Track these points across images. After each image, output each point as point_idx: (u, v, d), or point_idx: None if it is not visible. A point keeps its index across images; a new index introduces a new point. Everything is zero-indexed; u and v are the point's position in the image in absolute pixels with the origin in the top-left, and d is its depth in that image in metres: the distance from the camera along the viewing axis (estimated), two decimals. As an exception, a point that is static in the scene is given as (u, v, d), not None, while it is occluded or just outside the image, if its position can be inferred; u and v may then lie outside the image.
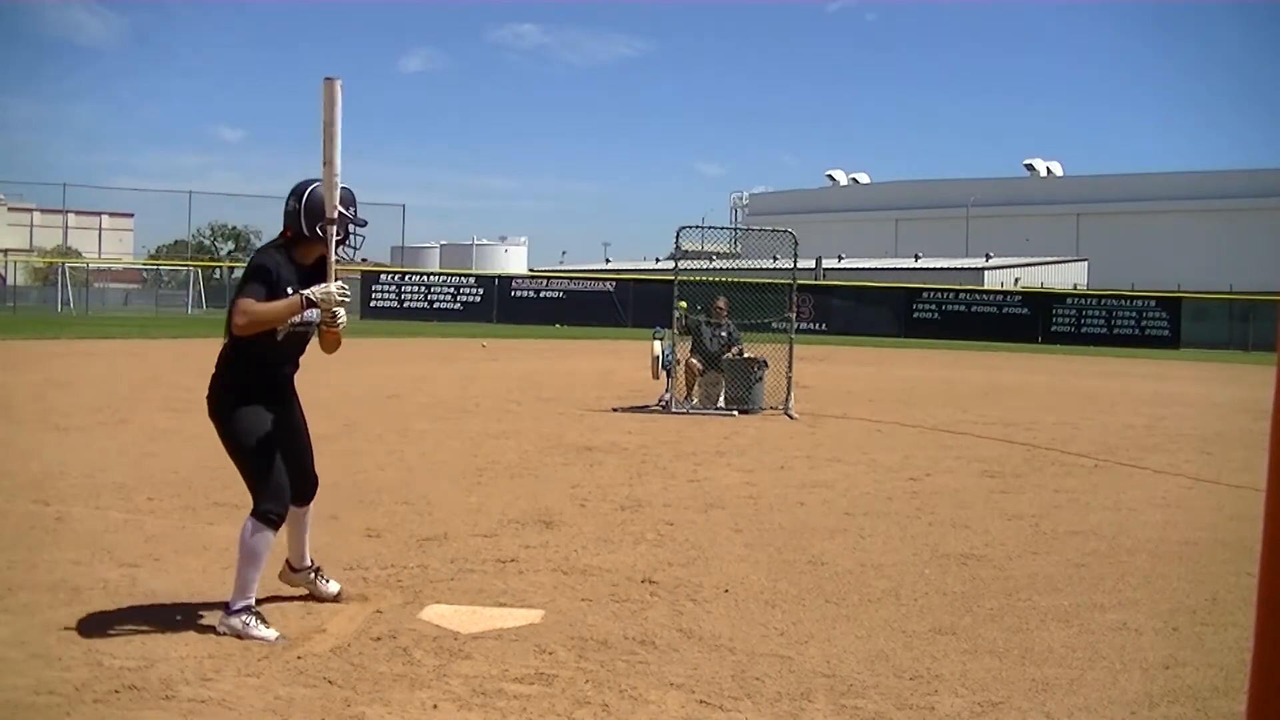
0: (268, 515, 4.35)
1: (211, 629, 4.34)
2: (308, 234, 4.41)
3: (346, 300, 4.35)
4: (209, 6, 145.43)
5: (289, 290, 4.30)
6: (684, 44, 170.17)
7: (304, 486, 4.67)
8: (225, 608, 4.39)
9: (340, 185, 4.38)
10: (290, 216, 4.44)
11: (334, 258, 4.37)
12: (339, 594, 4.85)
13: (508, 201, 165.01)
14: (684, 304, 13.63)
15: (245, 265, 4.50)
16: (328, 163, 4.33)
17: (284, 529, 4.68)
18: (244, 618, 4.31)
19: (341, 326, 4.39)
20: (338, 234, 4.40)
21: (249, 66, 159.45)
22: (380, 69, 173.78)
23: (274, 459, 4.40)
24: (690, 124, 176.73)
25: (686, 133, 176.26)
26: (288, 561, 4.84)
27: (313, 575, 4.84)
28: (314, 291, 4.25)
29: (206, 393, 4.46)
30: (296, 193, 4.44)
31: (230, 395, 4.40)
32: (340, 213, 4.39)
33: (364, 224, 4.57)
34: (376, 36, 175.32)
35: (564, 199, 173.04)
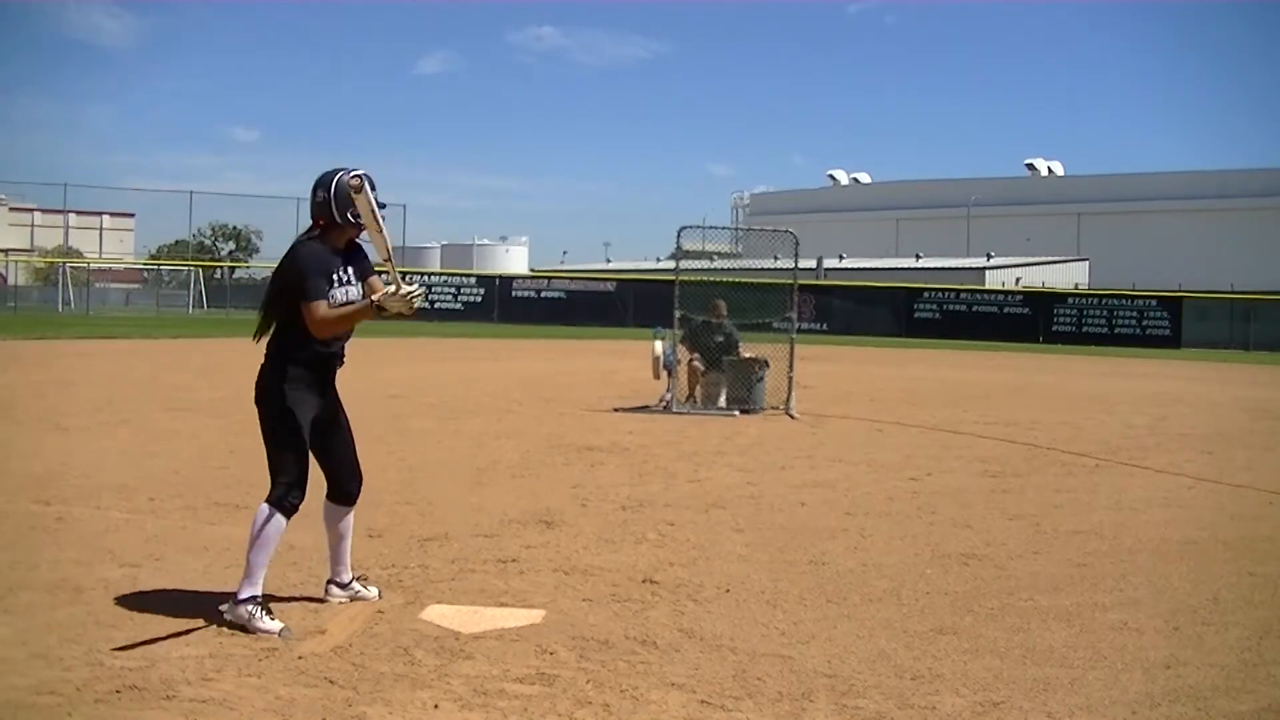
0: (283, 502, 4.41)
1: (213, 628, 4.34)
2: (339, 220, 4.48)
3: (421, 293, 4.41)
4: (225, 7, 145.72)
5: (335, 274, 4.46)
6: (701, 45, 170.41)
7: (348, 482, 4.76)
8: (234, 596, 4.40)
9: (360, 171, 4.43)
10: (321, 206, 4.50)
11: (391, 267, 4.43)
12: (379, 596, 4.89)
13: (510, 201, 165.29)
14: (667, 337, 13.48)
15: (286, 261, 4.53)
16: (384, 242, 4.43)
17: (326, 542, 4.80)
18: (250, 608, 4.34)
19: (417, 300, 4.40)
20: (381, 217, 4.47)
21: (264, 67, 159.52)
22: (398, 71, 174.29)
23: (304, 450, 4.51)
24: (701, 124, 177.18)
25: (697, 133, 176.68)
26: (331, 580, 4.84)
27: (357, 585, 4.87)
28: (385, 299, 4.33)
29: (256, 378, 4.53)
30: (324, 183, 4.50)
31: (279, 382, 4.47)
32: (375, 208, 4.43)
33: (385, 205, 4.61)
34: (396, 39, 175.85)
35: (566, 199, 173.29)
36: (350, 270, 4.57)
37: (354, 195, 4.34)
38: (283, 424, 4.46)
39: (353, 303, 4.53)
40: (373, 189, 4.46)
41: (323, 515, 4.80)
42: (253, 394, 4.55)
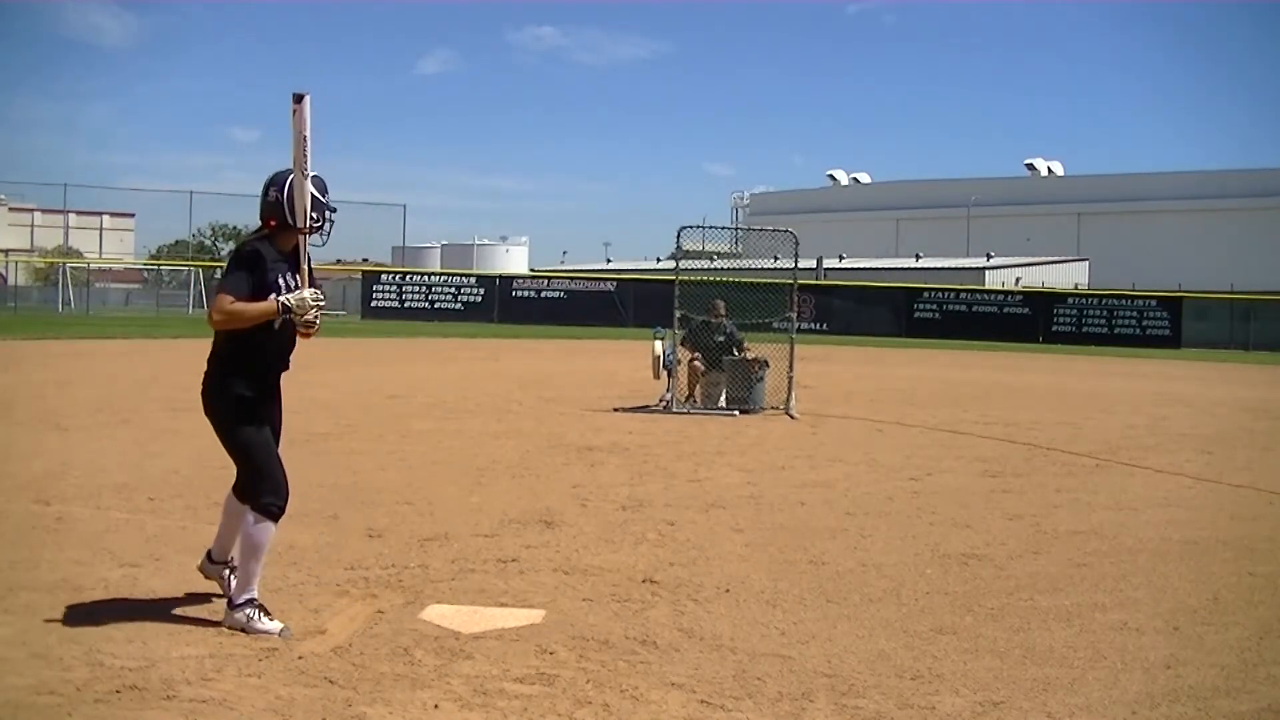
0: (269, 508, 4.40)
1: (213, 628, 4.35)
2: (291, 222, 4.42)
3: (321, 305, 4.40)
4: (225, 7, 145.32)
5: (279, 280, 4.36)
6: (700, 45, 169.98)
7: None
8: (229, 603, 4.41)
9: (312, 174, 4.41)
10: (273, 207, 4.44)
11: (306, 266, 4.42)
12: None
13: (510, 201, 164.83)
14: (667, 336, 13.52)
15: (230, 257, 4.51)
16: (304, 174, 4.37)
17: (220, 523, 4.74)
18: (248, 611, 4.34)
19: (315, 331, 4.44)
20: (315, 221, 4.44)
21: (264, 68, 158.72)
22: (398, 71, 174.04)
23: (272, 452, 4.47)
24: (701, 124, 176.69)
25: (696, 133, 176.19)
26: (209, 553, 4.77)
27: (227, 571, 4.73)
28: (289, 299, 4.31)
29: (201, 388, 4.49)
30: (277, 183, 4.45)
31: (227, 390, 4.42)
32: (316, 198, 4.42)
33: (334, 210, 4.59)
34: (396, 39, 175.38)
35: (566, 199, 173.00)
36: (297, 276, 4.47)
37: (293, 108, 4.29)
38: (238, 434, 4.43)
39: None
40: (325, 192, 4.49)
41: (225, 501, 4.75)
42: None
